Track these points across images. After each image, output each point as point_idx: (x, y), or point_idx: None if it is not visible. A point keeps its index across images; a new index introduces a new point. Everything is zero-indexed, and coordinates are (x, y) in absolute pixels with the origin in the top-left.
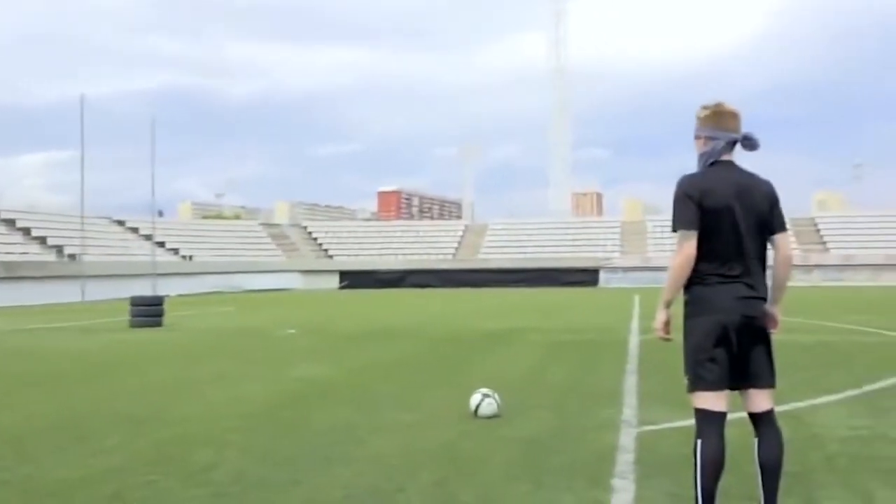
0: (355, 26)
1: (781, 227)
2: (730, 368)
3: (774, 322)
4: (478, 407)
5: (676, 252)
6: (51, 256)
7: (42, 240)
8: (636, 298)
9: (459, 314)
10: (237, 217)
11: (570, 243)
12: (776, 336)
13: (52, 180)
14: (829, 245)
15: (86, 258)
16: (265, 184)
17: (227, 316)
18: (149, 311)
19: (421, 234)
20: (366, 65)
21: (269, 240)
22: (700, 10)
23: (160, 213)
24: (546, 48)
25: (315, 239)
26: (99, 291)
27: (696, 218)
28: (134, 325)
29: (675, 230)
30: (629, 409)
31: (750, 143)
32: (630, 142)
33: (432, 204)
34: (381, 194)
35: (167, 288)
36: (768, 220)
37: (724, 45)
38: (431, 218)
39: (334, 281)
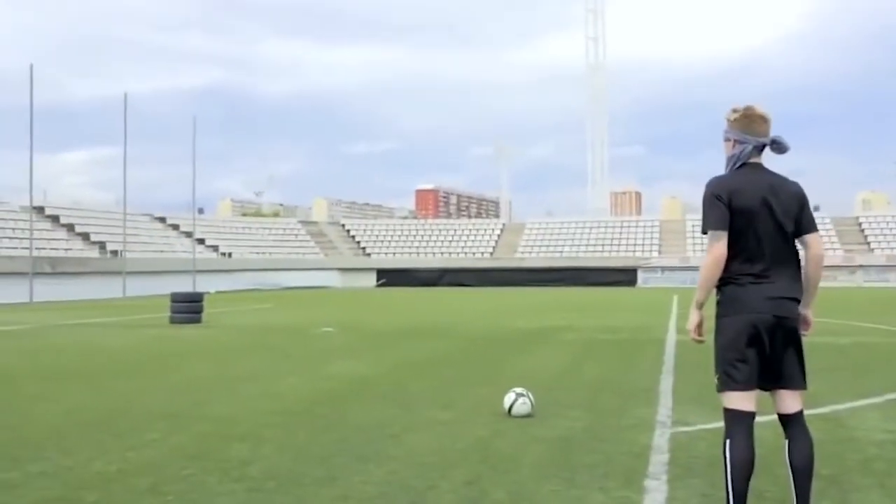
0: (391, 24)
1: (812, 228)
2: (760, 369)
3: (807, 324)
4: (511, 406)
5: (707, 253)
6: (94, 253)
7: (85, 236)
8: (675, 298)
9: (496, 313)
10: (276, 215)
11: (608, 243)
12: (814, 338)
13: (95, 177)
14: (872, 245)
15: (128, 254)
16: (303, 181)
17: (266, 313)
18: (188, 308)
19: (458, 232)
20: (401, 62)
21: (307, 237)
22: (736, 7)
23: (200, 211)
24: (582, 46)
25: (353, 237)
26: (140, 287)
27: (726, 218)
28: (174, 321)
29: (704, 231)
30: (664, 410)
31: (779, 147)
32: (666, 139)
33: (470, 202)
34: (419, 192)
35: (207, 284)
36: (798, 219)
37: (761, 42)
38: (469, 217)
39: (372, 279)
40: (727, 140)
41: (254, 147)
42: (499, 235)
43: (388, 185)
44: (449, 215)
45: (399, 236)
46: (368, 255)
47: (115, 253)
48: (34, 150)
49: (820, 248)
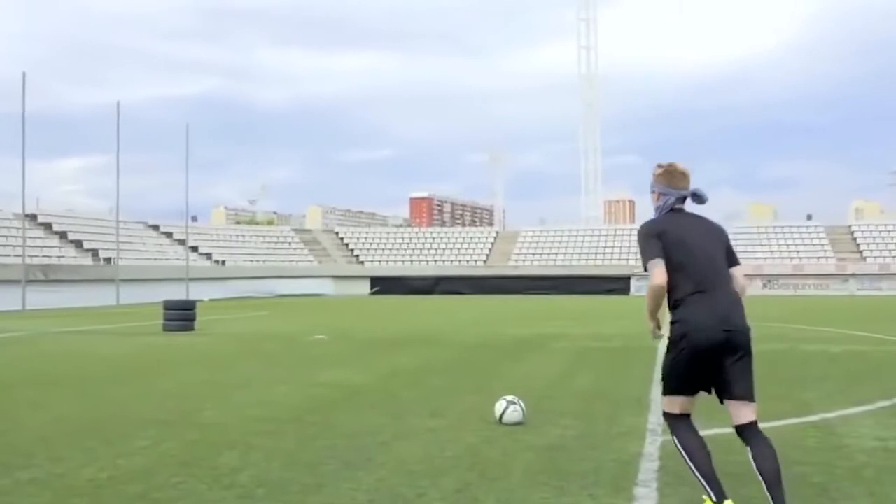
0: (386, 33)
1: (735, 262)
2: (708, 380)
3: None
4: (503, 414)
5: (650, 281)
6: (87, 260)
7: (78, 243)
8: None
9: (489, 321)
10: (270, 222)
11: (602, 251)
12: (806, 346)
13: (89, 185)
14: (865, 254)
15: (121, 262)
16: (297, 190)
17: (259, 320)
18: (181, 316)
19: (452, 240)
20: (396, 71)
21: (301, 245)
22: (730, 16)
23: (194, 219)
24: (576, 55)
25: (347, 245)
26: (133, 295)
27: (660, 249)
28: (167, 328)
29: (645, 267)
30: (655, 418)
31: (698, 199)
32: (661, 148)
33: (464, 210)
34: (413, 200)
35: (200, 292)
36: (723, 254)
37: (754, 51)
38: (463, 224)
39: (366, 287)
40: (652, 192)
41: (248, 155)
42: (493, 243)
43: (382, 193)
44: (443, 223)
45: (393, 244)
46: (362, 263)
47: (108, 261)
48: (27, 158)
49: (742, 279)
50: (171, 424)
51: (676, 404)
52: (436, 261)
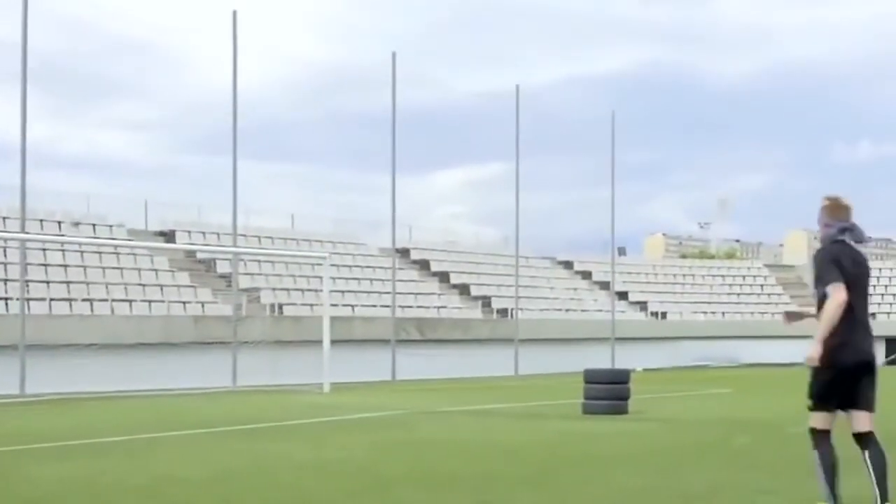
0: None
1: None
2: (844, 396)
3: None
4: None
5: (831, 299)
6: (475, 312)
7: (464, 288)
8: None
9: None
10: (731, 256)
11: None
12: None
13: (475, 206)
14: None
15: (521, 315)
16: (772, 206)
17: (719, 400)
18: (610, 392)
19: None
20: None
21: (778, 289)
22: None
23: (620, 251)
24: None
25: None
26: (537, 359)
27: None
28: (588, 409)
29: (826, 285)
30: None
31: (854, 235)
32: None
33: None
34: None
35: (630, 358)
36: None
37: None
38: None
39: (880, 351)
40: (819, 221)
41: (696, 157)
42: None
43: None
44: None
45: None
46: (872, 315)
47: (503, 312)
48: (398, 171)
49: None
50: None
51: (823, 419)
52: None
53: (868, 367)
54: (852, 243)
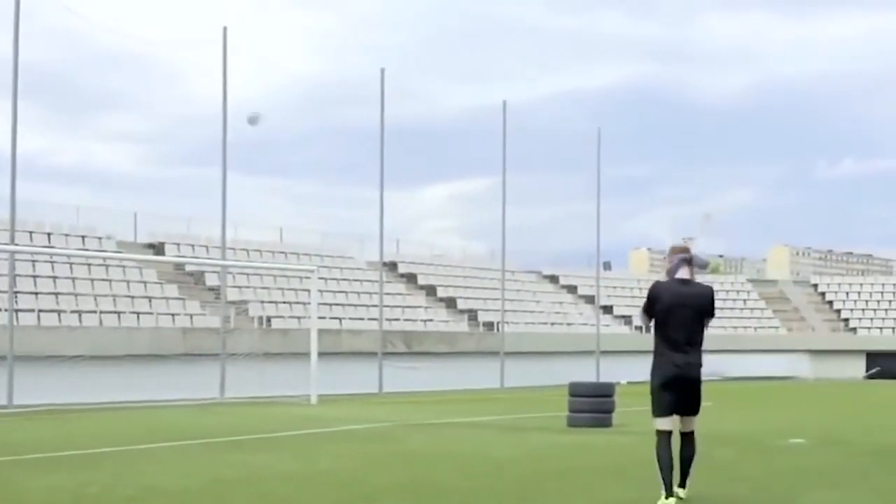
0: None
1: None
2: (673, 403)
3: None
4: None
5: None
6: (461, 325)
7: (450, 302)
8: None
9: None
10: (716, 270)
11: None
12: None
13: (461, 220)
14: None
15: (507, 328)
16: (755, 221)
17: (702, 414)
18: (595, 405)
19: None
20: None
21: (760, 303)
22: None
23: (606, 266)
24: None
25: (830, 303)
26: (522, 372)
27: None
28: (573, 422)
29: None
30: None
31: (696, 261)
32: None
33: None
34: None
35: (614, 371)
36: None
37: None
38: None
39: (860, 367)
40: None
41: (682, 172)
42: None
43: (884, 226)
44: None
45: None
46: (853, 329)
47: (489, 326)
48: (386, 185)
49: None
50: None
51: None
52: None
53: (685, 381)
54: (686, 277)
